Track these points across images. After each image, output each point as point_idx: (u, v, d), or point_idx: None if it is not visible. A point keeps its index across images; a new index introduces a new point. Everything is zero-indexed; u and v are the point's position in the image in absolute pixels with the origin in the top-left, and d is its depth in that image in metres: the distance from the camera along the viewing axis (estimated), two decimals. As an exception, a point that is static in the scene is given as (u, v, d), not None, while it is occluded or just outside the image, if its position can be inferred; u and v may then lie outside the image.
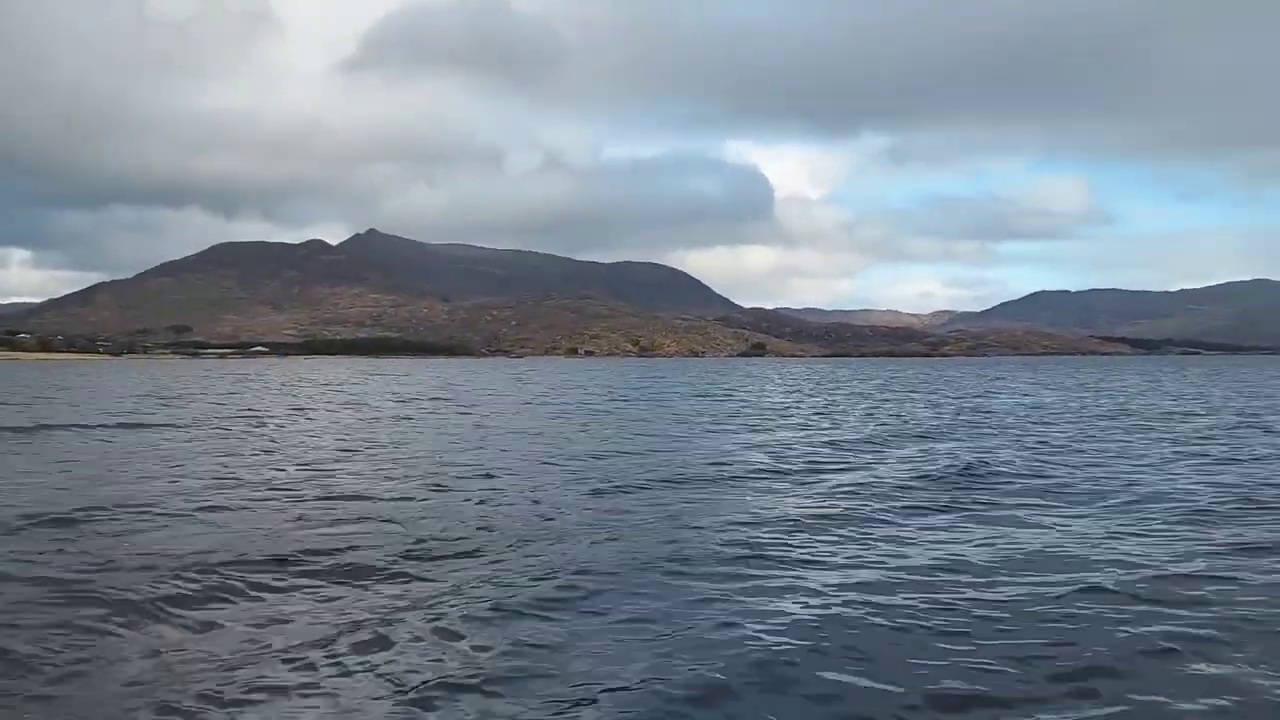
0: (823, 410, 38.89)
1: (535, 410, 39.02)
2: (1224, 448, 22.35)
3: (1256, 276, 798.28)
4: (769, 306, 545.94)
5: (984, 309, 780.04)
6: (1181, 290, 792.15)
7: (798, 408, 40.98)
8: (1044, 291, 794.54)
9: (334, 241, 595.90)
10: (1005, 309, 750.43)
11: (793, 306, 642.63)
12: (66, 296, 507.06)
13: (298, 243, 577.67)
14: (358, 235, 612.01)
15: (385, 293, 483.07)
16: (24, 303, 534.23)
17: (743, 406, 42.08)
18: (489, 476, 16.93)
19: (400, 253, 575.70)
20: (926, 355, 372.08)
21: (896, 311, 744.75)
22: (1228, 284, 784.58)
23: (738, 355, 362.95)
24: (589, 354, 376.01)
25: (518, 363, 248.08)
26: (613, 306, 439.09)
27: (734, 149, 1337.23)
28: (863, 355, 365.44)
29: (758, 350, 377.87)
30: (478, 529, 11.98)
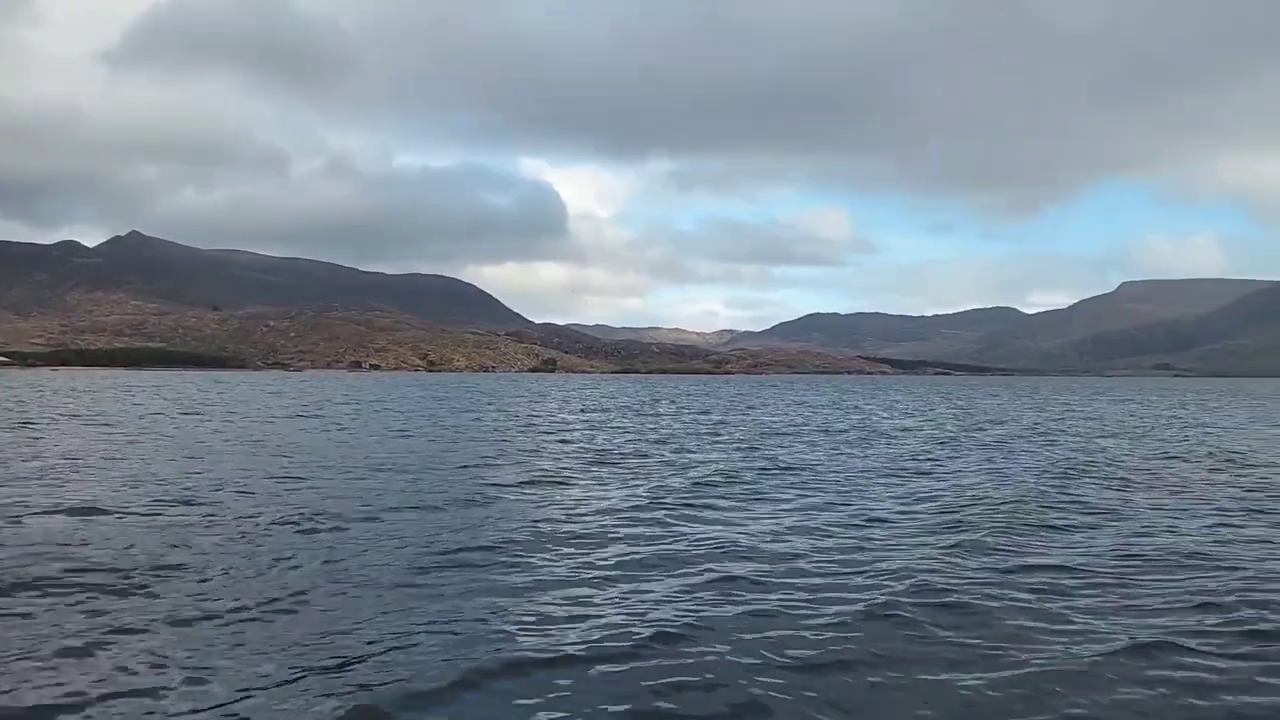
0: (589, 425, 40.25)
1: (282, 425, 37.25)
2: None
3: (998, 304, 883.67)
4: (560, 322, 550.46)
5: (763, 329, 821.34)
6: (935, 315, 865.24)
7: (560, 422, 42.28)
8: (817, 314, 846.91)
9: (91, 244, 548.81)
10: (782, 329, 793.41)
11: (583, 323, 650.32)
12: None
13: (49, 244, 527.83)
14: (118, 238, 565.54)
15: (148, 299, 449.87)
16: None
17: (499, 420, 42.76)
18: (193, 498, 16.12)
19: (167, 257, 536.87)
20: (710, 373, 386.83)
21: (682, 330, 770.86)
22: (974, 310, 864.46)
23: (529, 370, 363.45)
24: (375, 368, 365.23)
25: (294, 376, 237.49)
26: (400, 319, 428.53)
27: (528, 165, 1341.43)
28: (650, 372, 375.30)
29: (549, 366, 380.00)
30: (168, 547, 11.79)
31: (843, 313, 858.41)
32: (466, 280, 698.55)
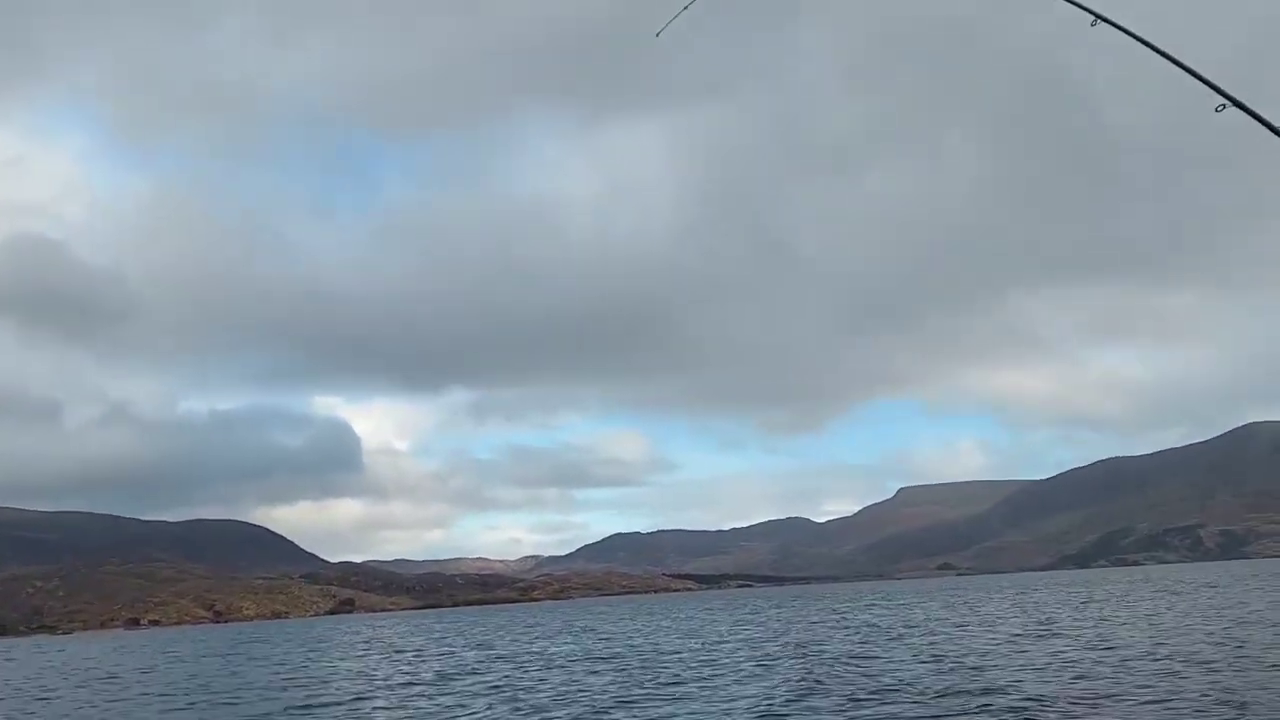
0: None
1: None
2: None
3: (790, 514, 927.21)
4: (358, 560, 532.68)
5: (567, 552, 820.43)
6: (732, 529, 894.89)
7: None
8: (620, 534, 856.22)
9: None
10: (587, 551, 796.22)
11: (383, 559, 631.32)
12: None
13: None
14: None
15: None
16: None
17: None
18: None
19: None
20: (517, 601, 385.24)
21: (485, 559, 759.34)
22: (769, 522, 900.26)
23: (326, 614, 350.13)
24: (155, 623, 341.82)
25: (61, 640, 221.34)
26: (184, 569, 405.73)
27: (322, 403, 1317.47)
28: (455, 605, 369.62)
29: (346, 606, 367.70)
30: None
31: (644, 531, 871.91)
32: (256, 523, 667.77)
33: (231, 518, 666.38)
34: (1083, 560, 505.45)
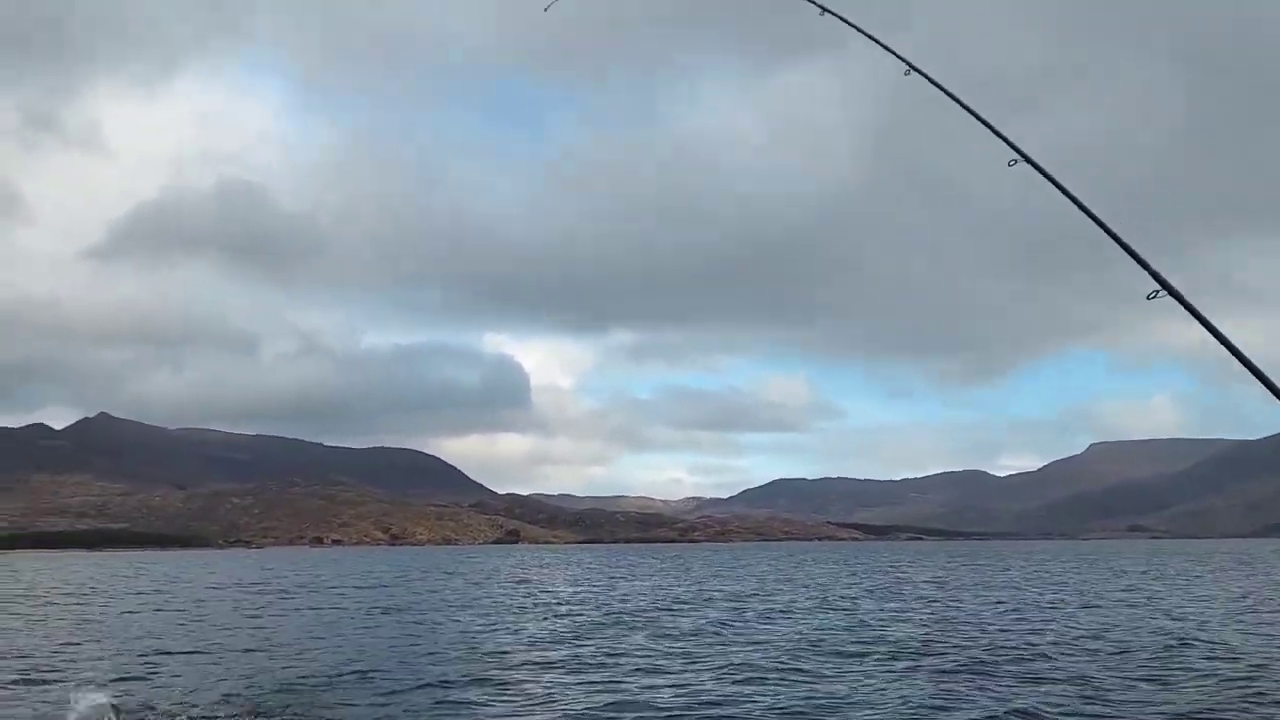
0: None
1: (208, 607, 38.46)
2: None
3: (967, 468, 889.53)
4: (523, 493, 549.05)
5: (729, 495, 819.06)
6: (904, 479, 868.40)
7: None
8: (783, 479, 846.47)
9: (59, 426, 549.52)
10: (748, 496, 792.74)
11: (547, 493, 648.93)
12: None
13: (17, 427, 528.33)
14: (86, 419, 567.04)
15: (112, 480, 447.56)
16: None
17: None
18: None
19: (132, 437, 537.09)
20: (676, 541, 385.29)
21: (648, 498, 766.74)
22: (944, 474, 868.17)
23: (492, 542, 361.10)
24: (337, 543, 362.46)
25: (255, 553, 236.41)
26: (363, 493, 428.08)
27: (491, 340, 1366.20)
28: (615, 541, 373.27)
29: (511, 537, 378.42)
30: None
31: (809, 478, 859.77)
32: (430, 453, 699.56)
33: (407, 446, 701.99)
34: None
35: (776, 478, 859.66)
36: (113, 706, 13.87)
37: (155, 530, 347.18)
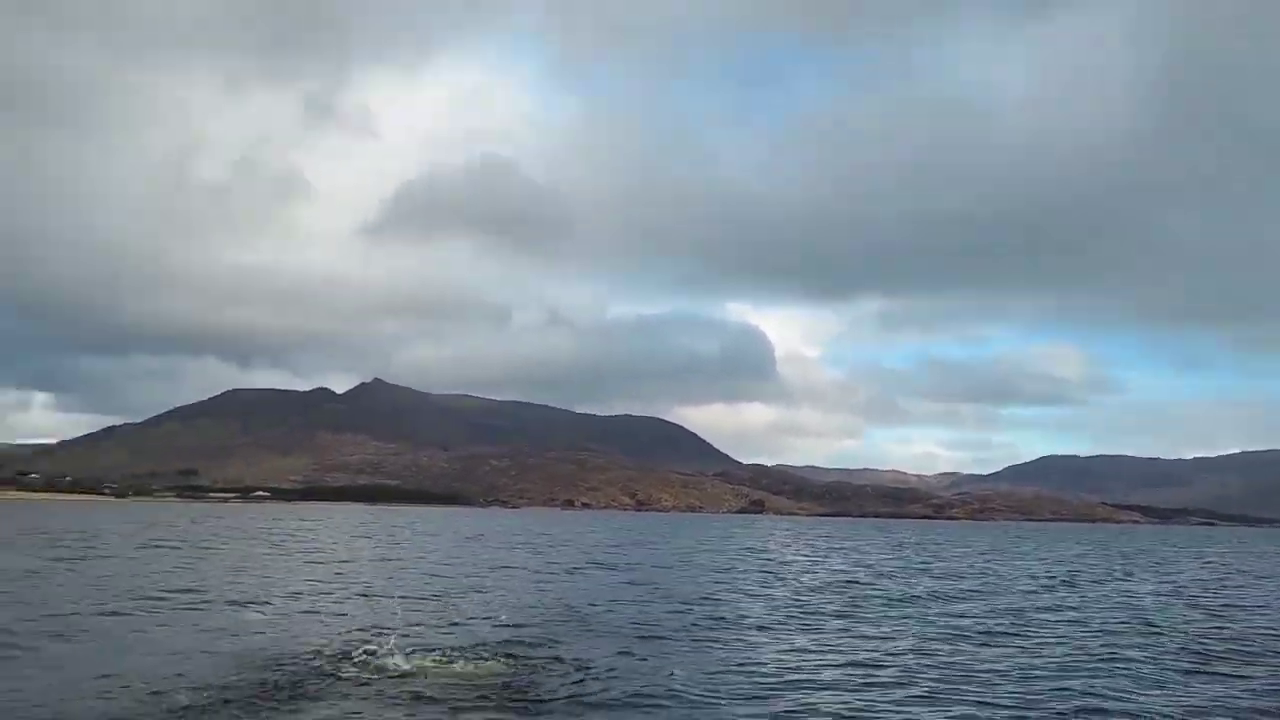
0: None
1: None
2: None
3: (1270, 446, 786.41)
4: (768, 463, 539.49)
5: (990, 472, 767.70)
6: (1196, 459, 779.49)
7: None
8: (1053, 456, 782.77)
9: (340, 390, 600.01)
10: (1013, 472, 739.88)
11: (793, 464, 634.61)
12: (80, 438, 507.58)
13: (306, 390, 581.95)
14: (363, 384, 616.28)
15: (386, 441, 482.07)
16: (39, 444, 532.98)
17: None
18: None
19: (402, 402, 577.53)
20: (930, 517, 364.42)
21: (900, 472, 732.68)
22: (1242, 453, 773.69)
23: (736, 511, 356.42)
24: (585, 506, 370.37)
25: (516, 513, 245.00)
26: (611, 459, 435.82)
27: (735, 309, 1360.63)
28: (863, 515, 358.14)
29: (756, 507, 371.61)
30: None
31: (1081, 455, 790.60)
32: (674, 421, 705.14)
33: (652, 415, 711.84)
34: None
35: (1044, 454, 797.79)
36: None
37: (423, 488, 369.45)
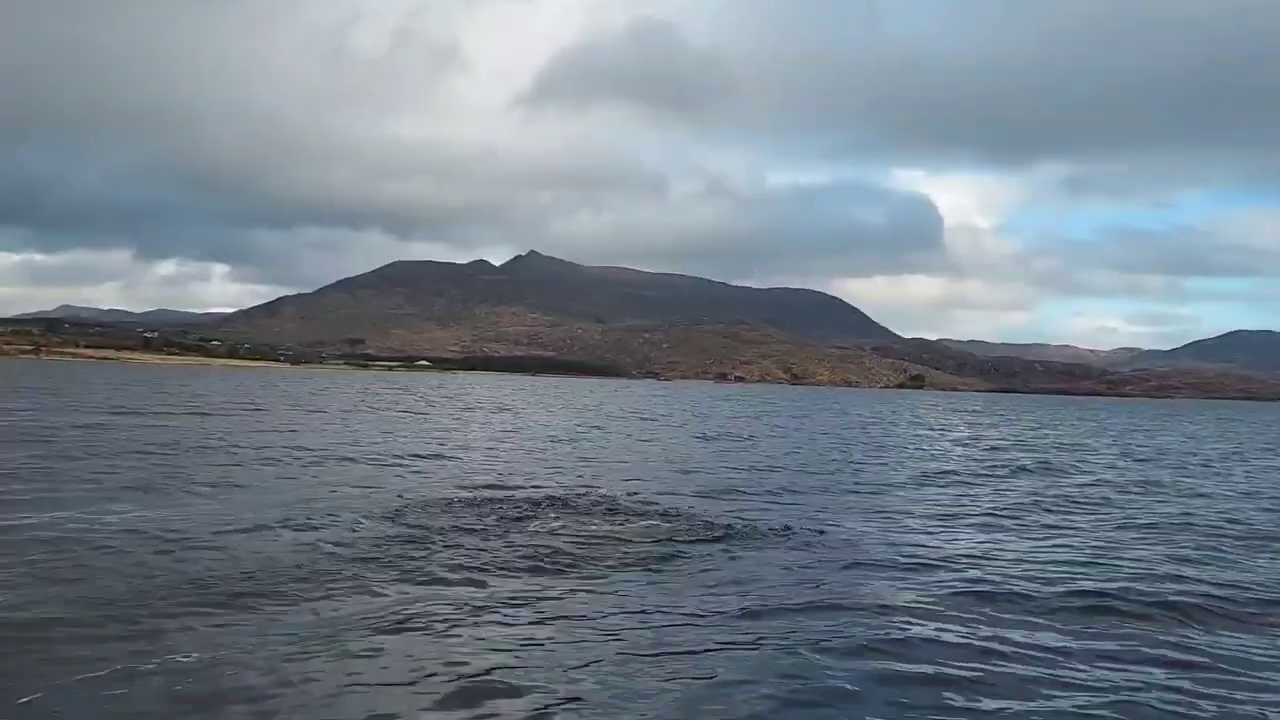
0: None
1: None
2: None
3: None
4: (931, 337, 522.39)
5: (1171, 348, 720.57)
6: None
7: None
8: (1242, 331, 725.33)
9: (497, 262, 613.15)
10: (1196, 349, 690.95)
11: (957, 338, 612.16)
12: (255, 307, 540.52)
13: (464, 263, 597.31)
14: (519, 257, 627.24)
15: (543, 312, 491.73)
16: (219, 312, 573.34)
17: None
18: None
19: (558, 274, 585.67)
20: (1103, 394, 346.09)
21: (1073, 347, 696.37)
22: None
23: (894, 387, 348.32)
24: (739, 380, 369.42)
25: (668, 386, 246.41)
26: (766, 332, 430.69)
27: (901, 177, 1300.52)
28: (1031, 391, 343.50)
29: (916, 382, 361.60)
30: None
31: (1276, 330, 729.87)
32: (832, 294, 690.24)
33: (809, 287, 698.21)
34: None
35: (1233, 329, 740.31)
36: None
37: (578, 359, 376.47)
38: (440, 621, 8.51)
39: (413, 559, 10.95)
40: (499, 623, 8.62)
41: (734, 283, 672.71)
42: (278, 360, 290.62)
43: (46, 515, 12.67)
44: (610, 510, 15.11)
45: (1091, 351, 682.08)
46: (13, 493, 14.75)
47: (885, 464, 27.48)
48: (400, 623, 8.46)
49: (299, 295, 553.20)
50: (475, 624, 8.55)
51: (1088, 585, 11.00)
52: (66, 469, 18.16)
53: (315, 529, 12.74)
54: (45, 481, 16.24)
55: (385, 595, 9.41)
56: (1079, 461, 30.52)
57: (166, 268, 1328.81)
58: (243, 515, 13.48)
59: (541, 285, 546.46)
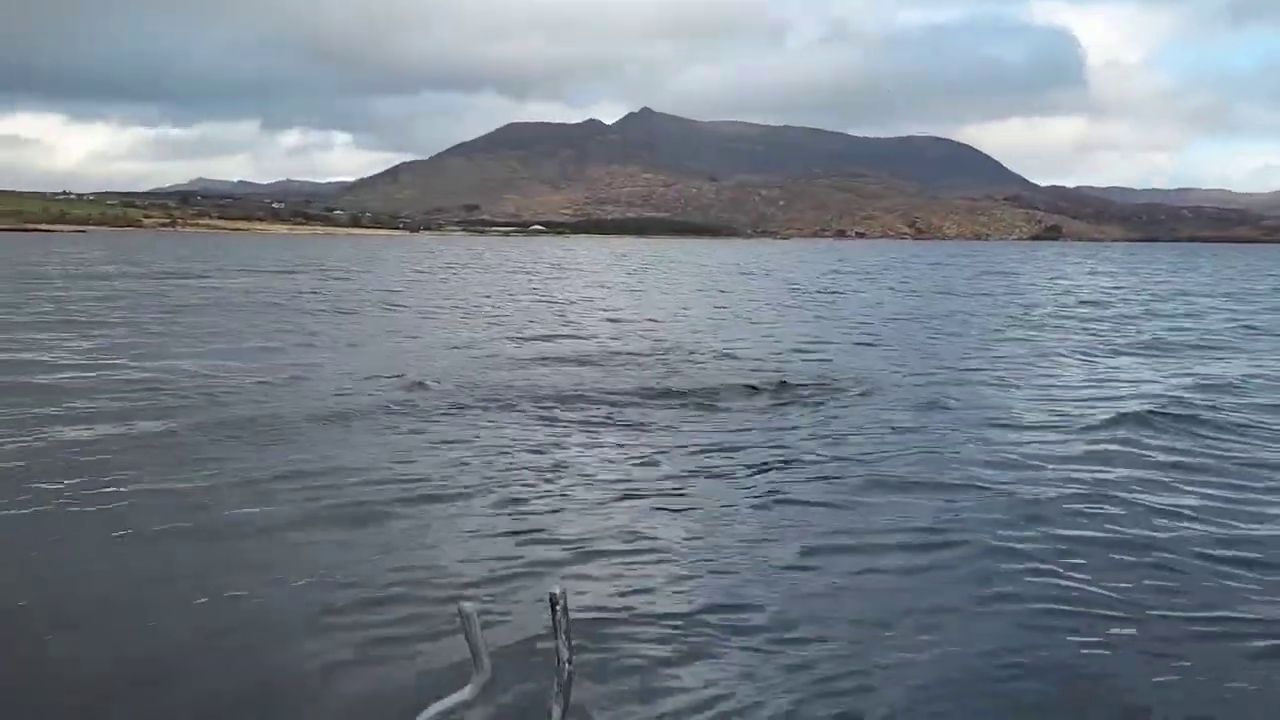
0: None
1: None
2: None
3: None
4: (1068, 185, 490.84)
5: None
6: None
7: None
8: None
9: (610, 121, 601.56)
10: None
11: (1096, 185, 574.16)
12: (376, 176, 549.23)
13: (577, 123, 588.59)
14: (632, 114, 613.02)
15: (656, 172, 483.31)
16: (341, 181, 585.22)
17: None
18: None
19: (671, 131, 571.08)
20: (1260, 241, 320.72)
21: (1226, 190, 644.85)
22: None
23: (1028, 239, 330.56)
24: (860, 236, 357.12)
25: (782, 245, 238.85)
26: (889, 185, 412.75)
27: (1042, 9, 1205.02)
28: (1177, 240, 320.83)
29: (1051, 234, 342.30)
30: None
31: None
32: (963, 141, 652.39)
33: (938, 135, 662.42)
34: None
35: None
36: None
37: (692, 220, 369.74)
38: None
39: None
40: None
41: (855, 133, 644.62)
42: (396, 229, 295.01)
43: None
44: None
45: (1247, 195, 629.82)
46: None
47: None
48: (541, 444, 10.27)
49: (416, 162, 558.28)
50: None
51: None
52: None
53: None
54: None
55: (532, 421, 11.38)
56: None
57: (290, 138, 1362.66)
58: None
59: (655, 143, 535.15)
